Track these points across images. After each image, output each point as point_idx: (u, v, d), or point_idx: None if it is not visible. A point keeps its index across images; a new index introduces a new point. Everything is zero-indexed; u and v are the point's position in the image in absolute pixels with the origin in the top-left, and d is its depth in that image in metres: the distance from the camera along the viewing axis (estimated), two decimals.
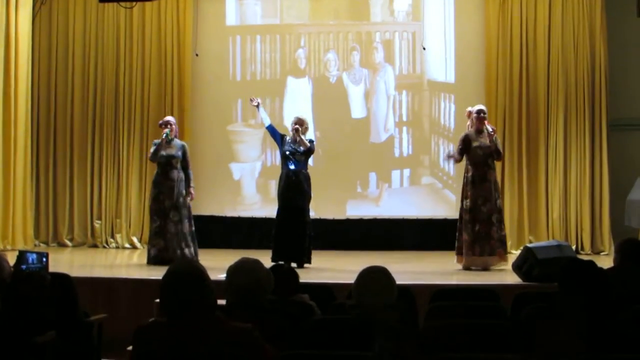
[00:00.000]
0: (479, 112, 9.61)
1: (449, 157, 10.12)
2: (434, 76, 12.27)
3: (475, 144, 9.54)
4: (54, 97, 12.52)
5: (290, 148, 9.91)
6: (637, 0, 10.63)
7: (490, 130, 9.48)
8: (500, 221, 9.62)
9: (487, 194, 9.51)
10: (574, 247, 10.74)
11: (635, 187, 10.52)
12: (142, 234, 12.21)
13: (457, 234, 9.68)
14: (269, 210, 10.92)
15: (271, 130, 10.16)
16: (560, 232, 11.54)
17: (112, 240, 12.31)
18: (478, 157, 9.53)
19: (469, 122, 9.75)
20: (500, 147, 9.68)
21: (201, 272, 3.53)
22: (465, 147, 9.58)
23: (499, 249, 9.55)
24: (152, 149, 10.12)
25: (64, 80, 12.51)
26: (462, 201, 9.71)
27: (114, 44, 12.46)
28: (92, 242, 12.36)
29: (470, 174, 9.59)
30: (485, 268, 9.48)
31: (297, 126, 9.85)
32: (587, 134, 11.63)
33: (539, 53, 11.81)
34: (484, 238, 9.48)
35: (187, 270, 3.55)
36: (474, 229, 9.50)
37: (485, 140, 9.50)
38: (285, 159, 9.97)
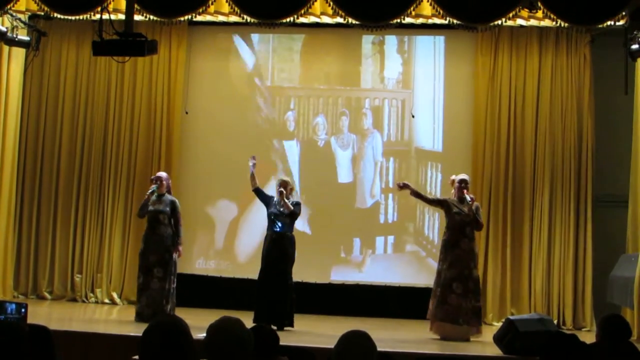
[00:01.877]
0: (461, 181, 9.82)
1: (404, 186, 9.83)
2: (422, 144, 12.32)
3: (455, 209, 9.73)
4: (41, 149, 12.51)
5: (275, 210, 9.97)
6: (625, 78, 10.74)
7: (469, 199, 9.65)
8: (470, 291, 9.59)
9: (455, 260, 9.61)
10: (555, 322, 10.74)
11: (618, 264, 10.53)
12: (122, 290, 12.14)
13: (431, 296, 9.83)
14: (252, 271, 10.87)
15: (258, 192, 10.19)
16: (542, 306, 11.50)
17: (91, 294, 12.20)
18: (455, 223, 9.70)
19: (453, 191, 9.85)
20: (480, 217, 9.77)
21: (183, 329, 3.48)
22: (442, 206, 9.87)
23: (471, 320, 9.54)
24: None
25: (52, 132, 12.52)
26: (438, 264, 9.88)
27: (104, 97, 12.49)
28: (72, 296, 12.24)
29: (446, 237, 9.79)
30: (445, 337, 9.52)
31: (281, 189, 9.92)
32: (572, 208, 11.67)
33: (527, 126, 11.90)
34: (441, 303, 9.55)
35: (169, 327, 3.49)
36: (436, 293, 9.65)
37: (465, 209, 9.62)
38: (271, 220, 10.02)
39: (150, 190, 10.07)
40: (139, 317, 9.92)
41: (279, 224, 9.98)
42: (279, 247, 9.96)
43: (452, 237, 9.69)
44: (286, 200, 9.95)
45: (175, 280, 10.08)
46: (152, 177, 10.43)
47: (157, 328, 3.50)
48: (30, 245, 12.40)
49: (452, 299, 9.51)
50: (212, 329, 3.90)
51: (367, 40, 12.45)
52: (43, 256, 12.37)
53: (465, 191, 9.72)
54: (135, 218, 11.53)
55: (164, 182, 10.15)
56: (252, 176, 10.20)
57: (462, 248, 9.63)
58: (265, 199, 10.15)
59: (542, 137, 11.85)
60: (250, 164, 10.17)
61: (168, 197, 10.16)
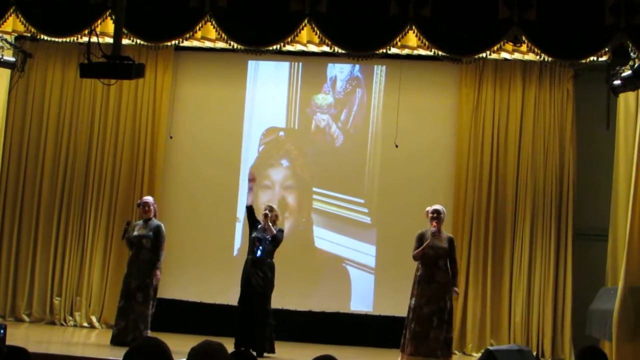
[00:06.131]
0: (433, 212, 9.79)
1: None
2: (405, 174, 12.30)
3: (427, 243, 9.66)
4: (24, 170, 12.47)
5: (259, 235, 9.99)
6: (607, 113, 10.83)
7: (433, 230, 9.65)
8: (445, 323, 9.59)
9: (432, 294, 9.58)
10: (534, 353, 10.75)
11: (598, 297, 10.57)
12: (101, 314, 12.07)
13: (403, 331, 9.72)
14: (233, 297, 10.84)
15: (250, 211, 10.19)
16: (521, 337, 11.52)
17: (70, 318, 12.13)
18: (428, 257, 9.66)
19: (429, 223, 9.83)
20: (456, 257, 9.86)
21: (164, 351, 3.48)
22: (419, 245, 9.72)
23: (442, 351, 9.52)
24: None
25: (35, 153, 12.48)
26: (410, 299, 9.75)
27: (88, 120, 12.48)
28: (50, 319, 12.16)
29: (419, 272, 9.72)
30: None
31: (266, 212, 9.94)
32: (552, 240, 11.72)
33: (509, 159, 11.96)
34: (420, 338, 9.51)
35: (150, 349, 3.49)
36: (413, 327, 9.56)
37: (439, 242, 9.60)
38: (253, 245, 10.03)
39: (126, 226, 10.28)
40: (115, 341, 9.92)
41: (261, 249, 9.99)
42: (258, 271, 9.97)
43: (428, 272, 9.65)
44: (270, 225, 9.98)
45: (154, 305, 10.10)
46: (139, 202, 10.52)
47: (139, 350, 3.50)
48: (9, 266, 12.33)
49: (433, 333, 9.50)
50: (194, 352, 3.90)
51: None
52: (22, 278, 12.29)
53: (434, 223, 9.72)
54: (117, 242, 11.62)
55: (151, 207, 10.26)
56: (250, 190, 10.27)
57: (439, 281, 9.62)
58: (254, 221, 10.17)
59: (524, 169, 11.92)
60: (251, 177, 10.31)
61: (154, 221, 10.25)
